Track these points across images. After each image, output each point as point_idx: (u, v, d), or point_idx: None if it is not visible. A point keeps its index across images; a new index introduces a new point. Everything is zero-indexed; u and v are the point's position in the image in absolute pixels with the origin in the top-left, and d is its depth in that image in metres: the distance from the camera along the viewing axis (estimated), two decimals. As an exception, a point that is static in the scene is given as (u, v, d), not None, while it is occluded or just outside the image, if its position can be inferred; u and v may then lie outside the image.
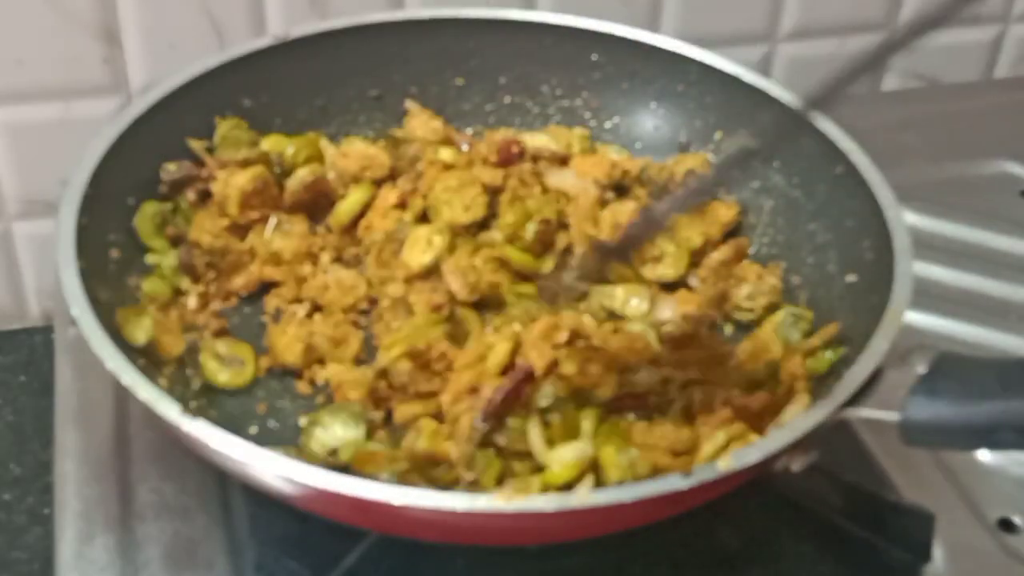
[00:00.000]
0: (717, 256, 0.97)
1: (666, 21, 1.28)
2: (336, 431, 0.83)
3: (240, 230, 0.96)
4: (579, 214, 0.98)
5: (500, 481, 0.79)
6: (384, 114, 1.09)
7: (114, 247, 0.90)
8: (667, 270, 0.97)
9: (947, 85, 1.44)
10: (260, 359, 0.90)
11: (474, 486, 0.78)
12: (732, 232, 1.02)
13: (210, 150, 0.98)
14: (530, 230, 0.96)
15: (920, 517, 0.84)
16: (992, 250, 1.14)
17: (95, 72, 1.13)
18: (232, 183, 0.94)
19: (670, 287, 0.98)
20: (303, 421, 0.84)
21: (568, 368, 0.81)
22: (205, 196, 0.96)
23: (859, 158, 0.93)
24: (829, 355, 0.86)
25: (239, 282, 0.94)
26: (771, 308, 0.95)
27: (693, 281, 0.98)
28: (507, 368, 0.83)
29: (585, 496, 0.68)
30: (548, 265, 0.96)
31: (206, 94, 0.98)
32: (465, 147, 1.04)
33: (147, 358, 0.83)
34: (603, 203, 1.01)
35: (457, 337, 0.88)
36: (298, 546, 0.81)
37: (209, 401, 0.87)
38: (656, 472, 0.76)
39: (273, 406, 0.88)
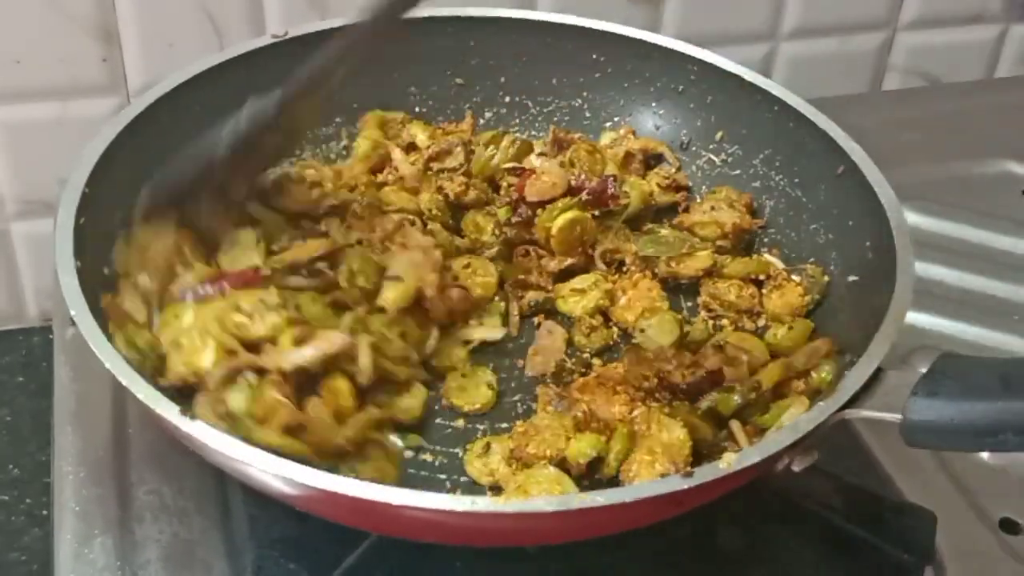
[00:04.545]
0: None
1: (667, 20, 1.28)
2: None
3: None
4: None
5: None
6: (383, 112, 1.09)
7: (112, 247, 0.89)
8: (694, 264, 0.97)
9: (949, 84, 1.44)
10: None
11: None
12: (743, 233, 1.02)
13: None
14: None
15: (922, 518, 0.84)
16: (994, 250, 1.14)
17: (93, 72, 1.13)
18: None
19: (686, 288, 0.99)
20: None
21: None
22: None
23: (860, 157, 0.93)
24: (827, 369, 0.85)
25: None
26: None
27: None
28: None
29: (585, 497, 0.68)
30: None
31: (205, 94, 0.98)
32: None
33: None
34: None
35: None
36: (297, 548, 0.81)
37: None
38: None
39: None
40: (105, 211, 0.87)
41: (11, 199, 1.17)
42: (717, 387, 0.84)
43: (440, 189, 1.01)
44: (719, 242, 0.99)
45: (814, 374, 0.86)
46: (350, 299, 0.87)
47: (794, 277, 0.96)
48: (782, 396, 0.86)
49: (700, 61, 1.05)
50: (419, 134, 1.07)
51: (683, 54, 1.06)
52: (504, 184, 1.02)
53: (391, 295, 0.88)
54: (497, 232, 0.99)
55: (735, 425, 0.83)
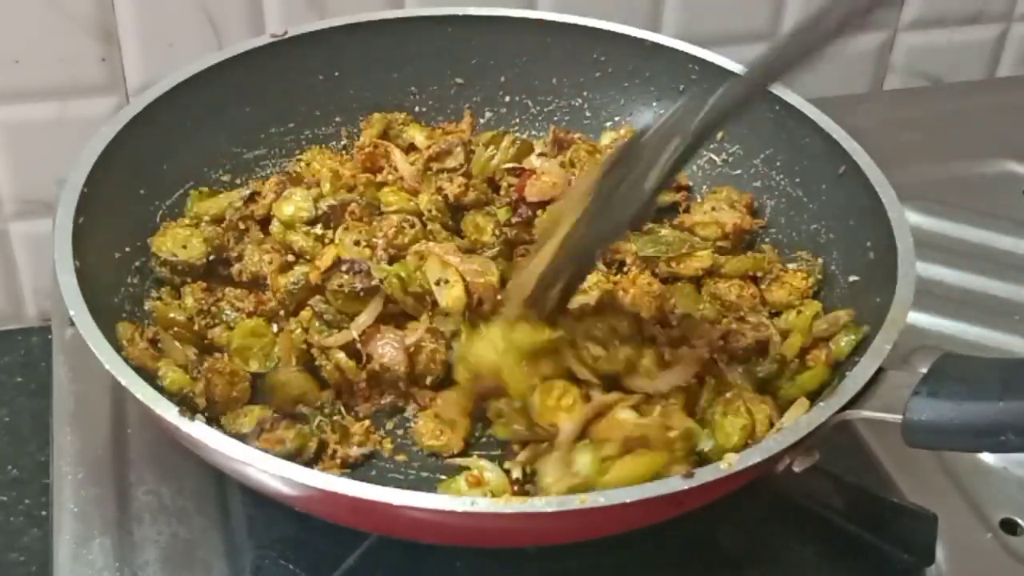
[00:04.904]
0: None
1: (667, 20, 1.28)
2: None
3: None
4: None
5: None
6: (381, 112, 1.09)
7: (112, 247, 0.89)
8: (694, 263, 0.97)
9: (950, 84, 1.44)
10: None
11: None
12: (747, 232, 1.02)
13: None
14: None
15: (922, 518, 0.84)
16: (995, 250, 1.14)
17: (92, 71, 1.12)
18: None
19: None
20: None
21: None
22: None
23: (861, 157, 0.93)
24: (851, 338, 0.85)
25: None
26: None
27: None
28: None
29: (585, 497, 0.68)
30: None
31: (204, 93, 0.98)
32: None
33: None
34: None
35: None
36: (296, 548, 0.81)
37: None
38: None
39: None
40: (104, 211, 0.87)
41: (10, 199, 1.17)
42: (763, 356, 0.87)
43: (440, 190, 1.00)
44: (719, 242, 0.99)
45: (833, 345, 0.86)
46: (407, 307, 0.89)
47: (790, 266, 0.96)
48: (806, 368, 0.87)
49: (701, 60, 1.05)
50: (417, 135, 1.07)
51: (684, 53, 1.06)
52: (504, 184, 1.02)
53: (451, 295, 0.89)
54: (497, 232, 0.99)
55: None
